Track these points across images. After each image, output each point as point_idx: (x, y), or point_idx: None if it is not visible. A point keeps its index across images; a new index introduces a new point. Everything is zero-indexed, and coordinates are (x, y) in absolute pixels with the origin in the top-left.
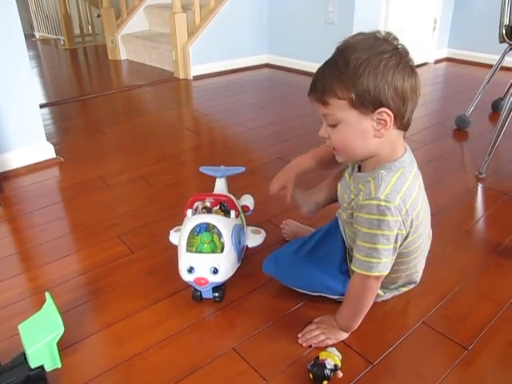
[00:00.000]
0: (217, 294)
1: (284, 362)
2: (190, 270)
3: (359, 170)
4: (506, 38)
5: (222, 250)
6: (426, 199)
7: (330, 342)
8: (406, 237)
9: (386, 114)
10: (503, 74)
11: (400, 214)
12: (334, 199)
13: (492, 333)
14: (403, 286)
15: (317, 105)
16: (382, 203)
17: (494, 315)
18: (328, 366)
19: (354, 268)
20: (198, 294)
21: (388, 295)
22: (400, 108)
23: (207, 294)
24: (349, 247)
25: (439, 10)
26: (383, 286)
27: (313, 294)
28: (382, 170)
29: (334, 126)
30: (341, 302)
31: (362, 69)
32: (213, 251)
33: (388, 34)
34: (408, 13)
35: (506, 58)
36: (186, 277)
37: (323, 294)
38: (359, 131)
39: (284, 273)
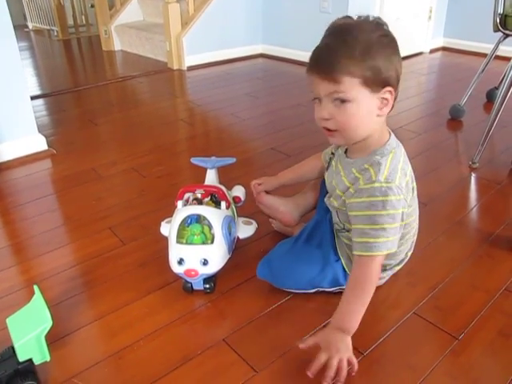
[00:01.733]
0: (207, 286)
1: (274, 353)
2: (180, 261)
3: (345, 154)
4: (499, 26)
5: (212, 242)
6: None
7: (353, 358)
8: (408, 215)
9: (389, 93)
10: (498, 63)
11: (402, 192)
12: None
13: (482, 322)
14: (398, 264)
15: (320, 81)
16: (384, 184)
17: (485, 305)
18: None
19: (359, 253)
20: (189, 285)
21: (383, 278)
22: (396, 88)
23: (198, 285)
24: (340, 228)
25: None
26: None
27: (310, 291)
28: (376, 155)
29: (341, 104)
30: (335, 295)
31: (376, 48)
32: (203, 243)
33: (379, 20)
34: (403, 1)
35: (501, 47)
36: (176, 268)
37: (320, 289)
38: (367, 109)
39: (278, 276)
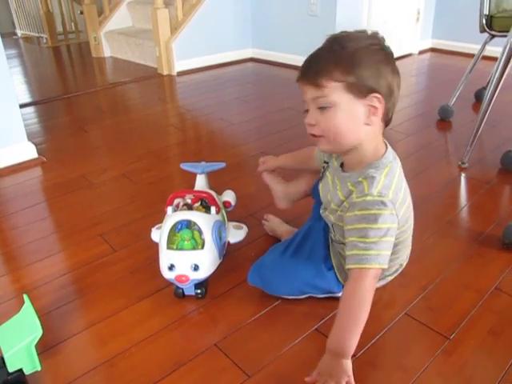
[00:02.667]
0: (199, 291)
1: (266, 357)
2: (171, 267)
3: (342, 168)
4: (485, 27)
5: (202, 247)
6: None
7: (352, 380)
8: (404, 232)
9: (377, 99)
10: (486, 63)
11: (394, 208)
12: (308, 193)
13: (473, 322)
14: (391, 274)
15: (307, 88)
16: (377, 198)
17: (476, 304)
18: None
19: (350, 266)
20: (180, 291)
21: (376, 286)
22: (388, 98)
23: (189, 290)
24: (337, 240)
25: (422, 0)
26: None
27: (300, 297)
28: (371, 169)
29: (324, 110)
30: (326, 298)
31: (360, 54)
32: (193, 248)
33: (375, 32)
34: (391, 4)
35: (488, 48)
36: (167, 274)
37: (311, 295)
38: (351, 116)
39: (269, 281)
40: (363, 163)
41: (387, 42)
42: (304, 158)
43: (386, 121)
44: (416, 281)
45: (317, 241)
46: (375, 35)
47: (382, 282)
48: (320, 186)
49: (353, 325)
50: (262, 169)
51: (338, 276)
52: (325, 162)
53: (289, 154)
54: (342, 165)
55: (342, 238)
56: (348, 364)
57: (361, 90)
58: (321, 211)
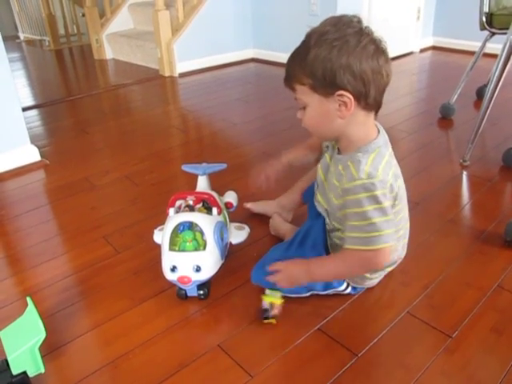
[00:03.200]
0: (201, 292)
1: (269, 357)
2: (173, 268)
3: (338, 152)
4: (486, 25)
5: (204, 248)
6: (401, 176)
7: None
8: (395, 214)
9: (345, 96)
10: (486, 60)
11: (385, 187)
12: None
13: (475, 320)
14: (390, 265)
15: (288, 89)
16: (366, 181)
17: (478, 302)
18: (263, 307)
19: (355, 247)
20: (183, 292)
21: (375, 278)
22: (361, 90)
23: (192, 292)
24: (332, 229)
25: None
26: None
27: (303, 295)
28: (359, 152)
29: (303, 108)
30: (329, 297)
31: (319, 53)
32: (195, 249)
33: (353, 16)
34: (392, 2)
35: (488, 45)
36: (170, 276)
37: (315, 292)
38: (323, 113)
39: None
40: (353, 147)
41: (388, 40)
42: (310, 146)
43: (371, 106)
44: (418, 279)
45: (317, 238)
46: (352, 22)
47: (382, 273)
48: (319, 166)
49: (339, 274)
50: (269, 172)
51: None
52: (326, 147)
53: (292, 148)
54: (338, 149)
55: (338, 224)
56: (305, 281)
57: (325, 90)
58: (314, 200)
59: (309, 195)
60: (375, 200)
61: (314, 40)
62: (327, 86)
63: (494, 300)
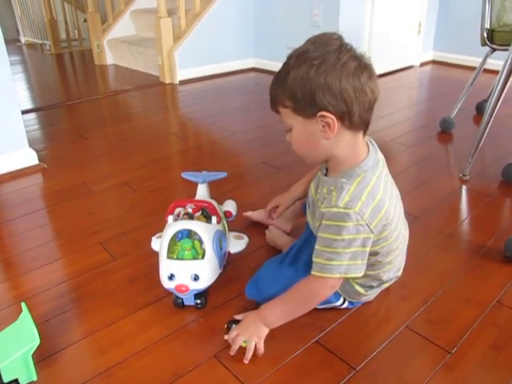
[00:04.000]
0: (199, 301)
1: (266, 369)
2: (171, 277)
3: (326, 173)
4: (487, 41)
5: (203, 257)
6: (396, 195)
7: (261, 344)
8: (385, 238)
9: (327, 117)
10: (487, 76)
11: (362, 219)
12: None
13: (475, 335)
14: (387, 282)
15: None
16: (342, 210)
17: (477, 318)
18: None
19: (313, 272)
20: (180, 301)
21: (371, 294)
22: (343, 110)
23: (189, 301)
24: None
25: (424, 13)
26: (367, 285)
27: None
28: (343, 178)
29: (289, 131)
30: (327, 310)
31: (298, 75)
32: (194, 258)
33: (332, 34)
34: (393, 16)
35: (489, 61)
36: (167, 284)
37: None
38: (306, 135)
39: (267, 294)
40: (339, 170)
41: (388, 53)
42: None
43: (356, 125)
44: (417, 293)
45: (312, 252)
46: (330, 39)
47: (377, 290)
48: (312, 184)
49: (290, 311)
50: (282, 211)
51: None
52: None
53: (300, 181)
54: (327, 169)
55: None
56: (265, 331)
57: (306, 111)
58: (307, 217)
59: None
60: (346, 231)
61: (293, 61)
62: (308, 107)
63: (493, 316)
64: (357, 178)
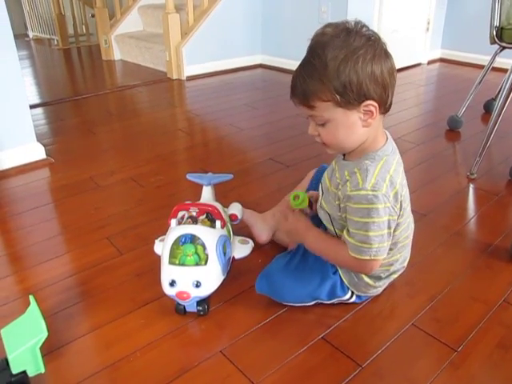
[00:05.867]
0: (201, 308)
1: (272, 364)
2: (172, 283)
3: (344, 157)
4: (496, 39)
5: (206, 263)
6: (406, 184)
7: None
8: (400, 224)
9: (371, 105)
10: (495, 74)
11: (388, 201)
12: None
13: (481, 334)
14: (394, 272)
15: (301, 107)
16: (370, 193)
17: (484, 316)
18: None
19: (350, 252)
20: (182, 307)
21: (379, 286)
22: (382, 96)
23: (191, 307)
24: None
25: (432, 10)
26: (375, 276)
27: (308, 304)
28: (367, 160)
29: (322, 125)
30: (334, 306)
31: (342, 68)
32: (196, 264)
33: (357, 23)
34: (401, 13)
35: (498, 59)
36: (168, 290)
37: (319, 301)
38: (347, 126)
39: (277, 290)
40: (361, 153)
41: (396, 51)
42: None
43: (387, 109)
44: (423, 291)
45: None
46: (359, 30)
47: (386, 281)
48: (325, 172)
49: (324, 255)
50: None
51: (343, 277)
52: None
53: (298, 187)
54: (343, 155)
55: (341, 231)
56: (301, 230)
57: (351, 102)
58: (317, 206)
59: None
60: (376, 213)
61: (329, 52)
62: (355, 98)
63: (499, 315)
64: (380, 160)
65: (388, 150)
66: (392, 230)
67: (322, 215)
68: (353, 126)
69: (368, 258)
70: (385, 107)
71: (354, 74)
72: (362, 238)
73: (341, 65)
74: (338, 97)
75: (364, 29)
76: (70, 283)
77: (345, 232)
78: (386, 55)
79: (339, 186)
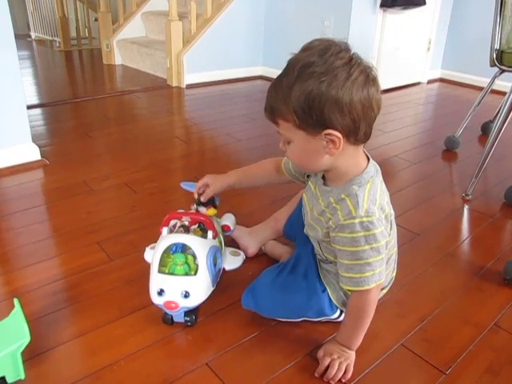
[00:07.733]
0: (188, 319)
1: (258, 379)
2: (160, 292)
3: (324, 182)
4: (496, 62)
5: (195, 273)
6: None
7: (351, 367)
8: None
9: (333, 135)
10: (494, 97)
11: (382, 224)
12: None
13: (471, 358)
14: (384, 288)
15: (270, 121)
16: (365, 219)
17: (474, 339)
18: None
19: (347, 287)
20: (169, 317)
21: None
22: (350, 127)
23: (178, 317)
24: (324, 260)
25: (434, 30)
26: None
27: (296, 320)
28: (354, 185)
29: (288, 143)
30: (322, 323)
31: (301, 89)
32: (186, 274)
33: (341, 43)
34: (403, 32)
35: (497, 82)
36: (156, 299)
37: (306, 318)
38: (309, 150)
39: (263, 305)
40: (344, 179)
41: (397, 69)
42: (264, 171)
43: (360, 140)
44: (414, 311)
45: (309, 264)
46: (340, 51)
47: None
48: (304, 196)
49: (359, 330)
50: (211, 193)
51: (331, 296)
52: (306, 175)
53: (241, 169)
54: (323, 177)
55: (330, 256)
56: (353, 354)
57: (312, 128)
58: (304, 230)
59: (290, 228)
60: (373, 239)
61: (297, 72)
62: (313, 124)
63: (490, 339)
64: (366, 184)
65: (372, 171)
66: (386, 251)
67: (309, 236)
68: (315, 151)
69: (374, 285)
70: (355, 138)
71: (315, 98)
72: (361, 267)
73: (304, 86)
74: (297, 120)
75: (345, 49)
76: (58, 287)
77: (340, 270)
78: (367, 84)
79: (326, 213)
